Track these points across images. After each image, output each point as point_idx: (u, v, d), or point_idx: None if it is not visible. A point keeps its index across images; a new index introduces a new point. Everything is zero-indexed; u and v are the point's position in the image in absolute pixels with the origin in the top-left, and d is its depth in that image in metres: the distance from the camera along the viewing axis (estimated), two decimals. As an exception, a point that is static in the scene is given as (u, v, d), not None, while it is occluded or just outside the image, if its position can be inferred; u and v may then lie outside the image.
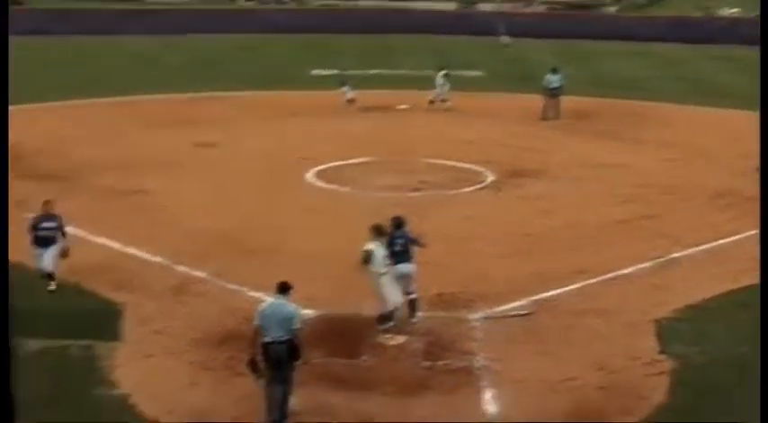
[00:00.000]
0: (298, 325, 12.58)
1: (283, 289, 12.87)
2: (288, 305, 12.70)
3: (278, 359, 12.42)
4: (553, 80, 32.75)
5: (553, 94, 32.54)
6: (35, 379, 12.53)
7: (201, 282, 17.59)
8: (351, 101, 34.59)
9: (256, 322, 12.61)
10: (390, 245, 15.52)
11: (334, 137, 28.99)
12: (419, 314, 15.81)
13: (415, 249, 15.77)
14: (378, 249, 15.26)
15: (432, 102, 34.30)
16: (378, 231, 15.50)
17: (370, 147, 27.59)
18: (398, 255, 15.54)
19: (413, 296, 15.77)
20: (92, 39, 53.57)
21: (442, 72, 34.77)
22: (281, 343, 12.40)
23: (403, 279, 15.61)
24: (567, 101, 33.05)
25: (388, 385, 13.66)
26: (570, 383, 13.74)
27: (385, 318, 15.24)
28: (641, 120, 32.59)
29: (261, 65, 45.64)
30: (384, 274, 15.25)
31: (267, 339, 12.45)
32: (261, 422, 12.49)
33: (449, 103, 33.89)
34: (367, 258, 15.16)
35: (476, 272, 17.93)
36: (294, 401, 12.66)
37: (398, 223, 15.88)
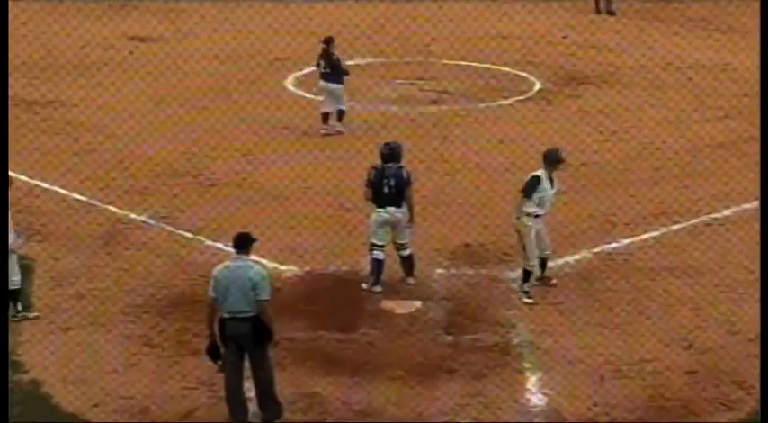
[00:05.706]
0: (265, 295, 12.30)
1: (242, 243, 12.56)
2: (251, 267, 12.43)
3: (237, 341, 12.31)
4: None
5: None
6: None
7: (141, 227, 17.63)
8: None
9: (210, 293, 12.47)
10: (378, 183, 15.42)
11: (321, 29, 28.78)
12: (417, 275, 15.81)
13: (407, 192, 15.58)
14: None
15: None
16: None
17: (372, 43, 27.42)
18: (387, 197, 15.40)
19: (406, 252, 15.74)
20: None
21: None
22: (242, 320, 12.23)
23: (391, 228, 15.54)
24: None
25: (396, 368, 13.69)
26: (645, 366, 13.77)
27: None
28: (747, 2, 32.23)
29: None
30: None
31: (224, 314, 12.30)
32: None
33: None
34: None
35: (516, 215, 17.92)
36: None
37: (392, 153, 15.62)
